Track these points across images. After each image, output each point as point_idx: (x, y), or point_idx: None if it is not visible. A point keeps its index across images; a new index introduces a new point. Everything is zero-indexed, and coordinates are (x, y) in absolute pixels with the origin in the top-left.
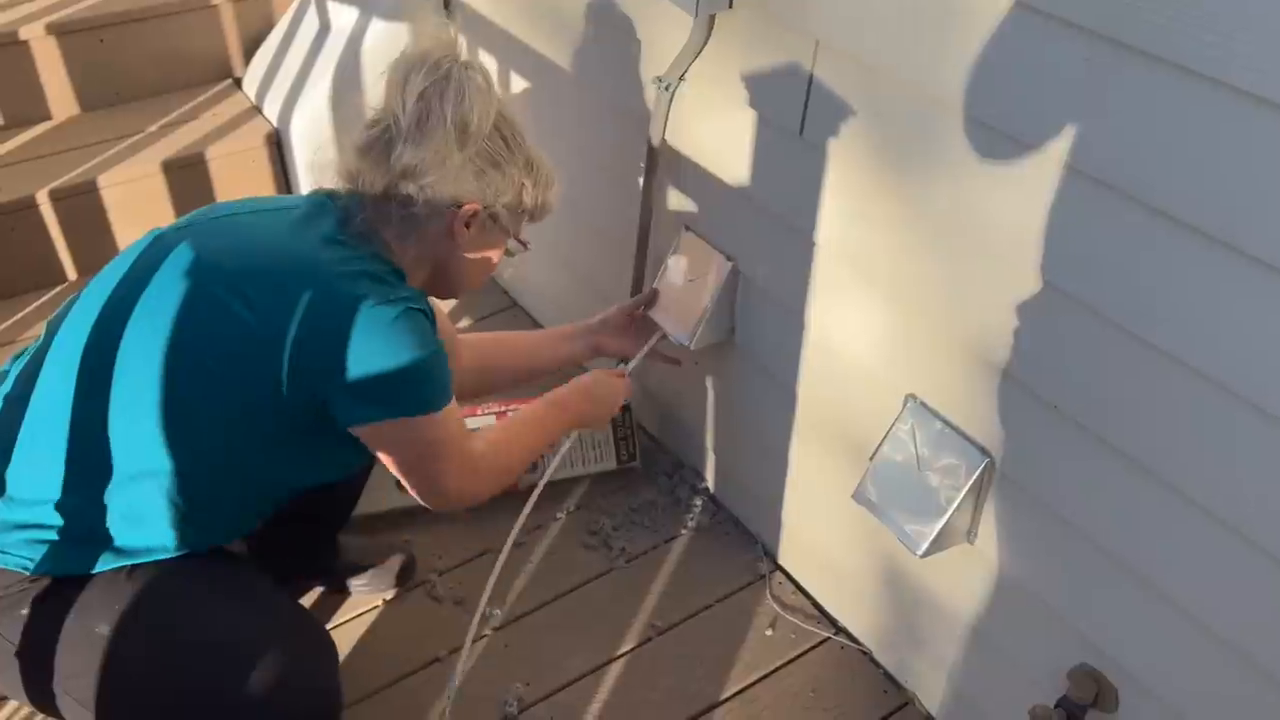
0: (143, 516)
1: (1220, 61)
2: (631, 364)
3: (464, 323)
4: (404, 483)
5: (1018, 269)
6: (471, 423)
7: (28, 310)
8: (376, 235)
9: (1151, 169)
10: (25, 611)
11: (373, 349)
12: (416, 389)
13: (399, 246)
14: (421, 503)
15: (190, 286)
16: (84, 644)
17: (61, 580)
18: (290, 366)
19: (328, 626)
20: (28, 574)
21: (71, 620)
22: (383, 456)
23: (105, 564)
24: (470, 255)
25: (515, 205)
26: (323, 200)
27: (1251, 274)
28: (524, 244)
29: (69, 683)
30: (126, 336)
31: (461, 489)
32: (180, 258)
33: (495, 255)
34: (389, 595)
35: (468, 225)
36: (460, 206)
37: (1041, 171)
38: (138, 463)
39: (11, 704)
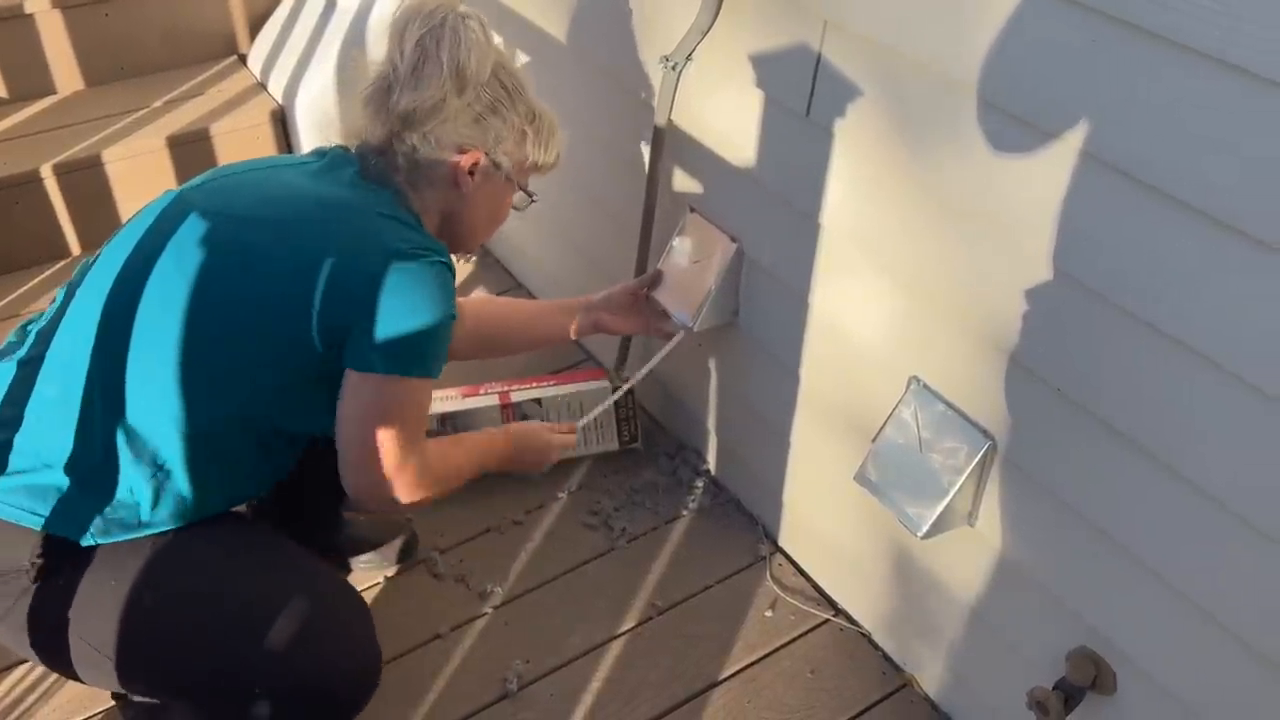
0: (157, 472)
1: (1225, 42)
2: (639, 375)
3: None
4: (342, 447)
5: (1025, 252)
6: (474, 401)
7: (31, 284)
8: (390, 182)
9: (1158, 151)
10: (40, 577)
11: (401, 302)
12: (422, 350)
13: (411, 194)
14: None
15: (215, 240)
16: (105, 609)
17: (83, 546)
18: (321, 310)
19: None
20: (44, 532)
21: (93, 584)
22: (345, 405)
23: (119, 524)
24: (477, 206)
25: (518, 154)
26: (336, 153)
27: (1259, 258)
28: (531, 195)
29: (83, 645)
30: (147, 294)
31: (393, 469)
32: (203, 214)
33: (502, 207)
34: (390, 572)
35: (471, 174)
36: (463, 154)
37: (1050, 154)
38: (154, 419)
39: (21, 668)
